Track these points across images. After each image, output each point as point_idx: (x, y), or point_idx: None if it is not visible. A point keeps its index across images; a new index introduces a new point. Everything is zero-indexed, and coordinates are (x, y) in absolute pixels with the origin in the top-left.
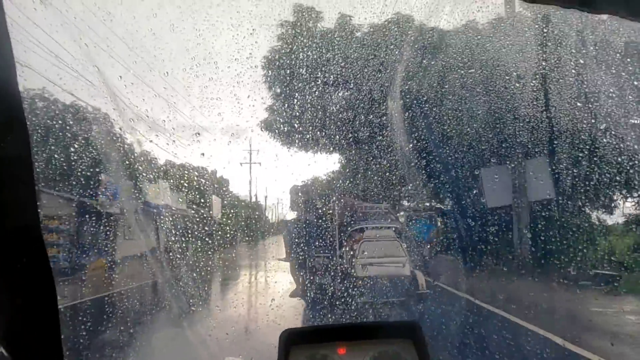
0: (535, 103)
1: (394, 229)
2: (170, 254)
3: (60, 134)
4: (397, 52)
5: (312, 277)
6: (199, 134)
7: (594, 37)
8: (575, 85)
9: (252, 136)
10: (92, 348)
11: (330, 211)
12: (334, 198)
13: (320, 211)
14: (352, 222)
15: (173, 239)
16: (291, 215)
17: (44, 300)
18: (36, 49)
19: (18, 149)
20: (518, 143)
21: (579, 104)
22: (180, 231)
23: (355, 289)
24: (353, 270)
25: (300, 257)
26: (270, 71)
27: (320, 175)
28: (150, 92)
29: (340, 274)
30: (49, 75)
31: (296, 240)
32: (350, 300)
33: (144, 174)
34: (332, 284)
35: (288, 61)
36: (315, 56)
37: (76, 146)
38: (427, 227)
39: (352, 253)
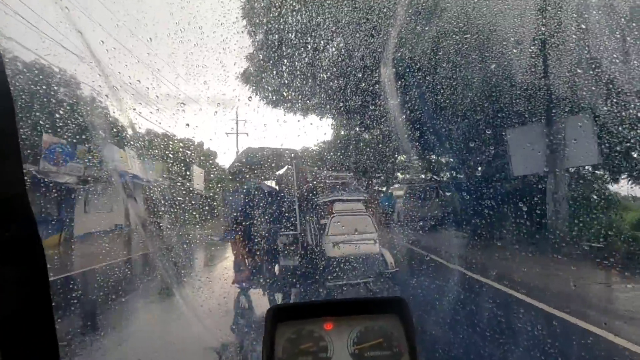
0: (534, 70)
1: (363, 201)
2: (149, 227)
3: (43, 99)
4: (390, 17)
5: (271, 258)
6: (184, 103)
7: (596, 0)
8: (576, 51)
9: (239, 105)
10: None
11: (287, 180)
12: (290, 165)
13: (276, 180)
14: (315, 193)
15: (152, 211)
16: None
17: (34, 269)
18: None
19: (3, 122)
20: (515, 112)
21: (579, 71)
22: (158, 203)
23: (326, 271)
24: (322, 249)
25: (254, 235)
26: (257, 36)
27: (310, 145)
28: (133, 59)
29: (306, 254)
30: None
31: (244, 213)
32: (319, 284)
33: (126, 143)
34: (298, 266)
35: (276, 26)
36: (304, 20)
37: (59, 113)
38: (423, 199)
39: (320, 229)
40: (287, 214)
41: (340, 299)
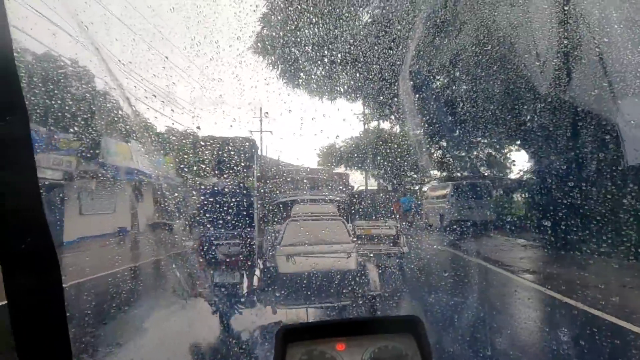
0: (556, 83)
1: (336, 202)
2: (158, 230)
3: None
4: (409, 30)
5: (214, 272)
6: (199, 117)
7: (618, 15)
8: (599, 65)
9: (254, 121)
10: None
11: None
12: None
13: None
14: (279, 193)
15: (162, 212)
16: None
17: (49, 280)
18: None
19: (18, 131)
20: (539, 125)
21: (604, 84)
22: (170, 203)
23: (275, 291)
24: (273, 264)
25: (207, 240)
26: (274, 50)
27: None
28: (149, 72)
29: (255, 269)
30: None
31: (201, 215)
32: (260, 309)
33: (130, 137)
34: (241, 284)
35: (293, 39)
36: (322, 34)
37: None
38: (473, 199)
39: (274, 238)
40: (243, 219)
41: (353, 318)
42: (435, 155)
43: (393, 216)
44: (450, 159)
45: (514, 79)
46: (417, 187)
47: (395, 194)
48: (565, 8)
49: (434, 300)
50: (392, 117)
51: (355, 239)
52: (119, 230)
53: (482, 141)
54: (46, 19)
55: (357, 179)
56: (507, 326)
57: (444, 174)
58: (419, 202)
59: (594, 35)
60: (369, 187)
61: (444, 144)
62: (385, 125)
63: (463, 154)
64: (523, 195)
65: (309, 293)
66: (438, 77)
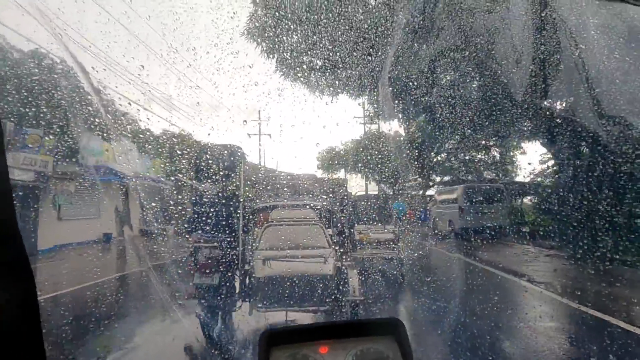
0: (533, 88)
1: (317, 208)
2: (148, 236)
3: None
4: (388, 35)
5: (197, 274)
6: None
7: (594, 20)
8: (576, 70)
9: (232, 128)
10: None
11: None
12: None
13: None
14: (262, 199)
15: (152, 217)
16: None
17: (22, 293)
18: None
19: None
20: (515, 131)
21: (580, 90)
22: (160, 208)
23: (252, 293)
24: (250, 267)
25: (194, 244)
26: (251, 57)
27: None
28: (123, 79)
29: (228, 271)
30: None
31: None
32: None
33: (113, 136)
34: (218, 287)
35: (271, 46)
36: (300, 40)
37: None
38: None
39: (252, 242)
40: (227, 224)
41: (336, 322)
42: (437, 158)
43: (391, 221)
44: (454, 162)
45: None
46: (420, 192)
47: (394, 199)
48: (543, 14)
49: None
50: (387, 120)
51: (333, 245)
52: (104, 237)
53: (486, 143)
54: (19, 22)
55: (358, 184)
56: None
57: (447, 177)
58: (425, 208)
59: (570, 41)
60: (369, 192)
61: (448, 146)
62: (384, 128)
63: (467, 157)
64: (540, 200)
65: (284, 297)
66: (416, 84)
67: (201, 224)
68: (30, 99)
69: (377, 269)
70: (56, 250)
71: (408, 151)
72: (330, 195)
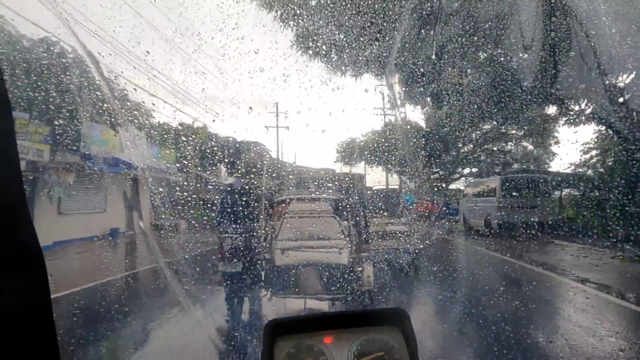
0: (543, 75)
1: (334, 201)
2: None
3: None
4: (395, 21)
5: (222, 264)
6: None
7: (606, 7)
8: (587, 56)
9: (238, 113)
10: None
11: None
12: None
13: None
14: (282, 192)
15: (164, 211)
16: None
17: (35, 279)
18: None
19: (1, 127)
20: (525, 118)
21: (592, 75)
22: (173, 201)
23: (271, 281)
24: (270, 256)
25: (221, 235)
26: (257, 43)
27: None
28: (128, 66)
29: (251, 260)
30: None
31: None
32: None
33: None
34: (242, 274)
35: (277, 31)
36: (307, 25)
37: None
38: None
39: (272, 233)
40: (249, 215)
41: (340, 312)
42: (464, 149)
43: (404, 214)
44: (480, 153)
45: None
46: (443, 185)
47: (415, 193)
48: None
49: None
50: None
51: (349, 236)
52: (111, 232)
53: (515, 133)
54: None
55: (378, 178)
56: None
57: (474, 169)
58: (448, 202)
59: (581, 28)
60: (390, 186)
61: (474, 137)
62: (403, 118)
63: (496, 147)
64: (585, 192)
65: (302, 285)
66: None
67: (227, 216)
68: (35, 85)
69: (390, 259)
70: (55, 247)
71: (431, 142)
72: (347, 189)
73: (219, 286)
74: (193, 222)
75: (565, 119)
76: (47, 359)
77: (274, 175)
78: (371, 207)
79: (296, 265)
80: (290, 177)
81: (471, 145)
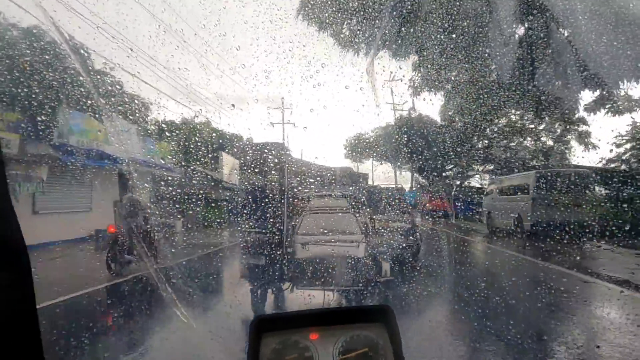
0: (521, 71)
1: (348, 198)
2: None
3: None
4: (375, 18)
5: (246, 257)
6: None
7: (582, 6)
8: (565, 53)
9: (222, 110)
10: None
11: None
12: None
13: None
14: (298, 189)
15: (157, 210)
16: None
17: (19, 273)
18: None
19: None
20: (504, 114)
21: (568, 72)
22: (166, 199)
23: (294, 273)
24: (291, 250)
25: (247, 230)
26: (239, 39)
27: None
28: (112, 62)
29: (278, 254)
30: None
31: (245, 209)
32: (281, 288)
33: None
34: (266, 267)
35: (257, 25)
36: (285, 28)
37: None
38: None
39: (293, 228)
40: (272, 212)
41: (326, 309)
42: (479, 144)
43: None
44: (497, 150)
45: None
46: (457, 182)
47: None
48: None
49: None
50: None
51: (364, 231)
52: (97, 235)
53: (535, 128)
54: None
55: (386, 175)
56: None
57: (490, 166)
58: (462, 199)
59: (558, 26)
60: (398, 184)
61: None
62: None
63: (513, 143)
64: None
65: (321, 276)
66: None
67: (250, 213)
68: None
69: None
70: (30, 251)
71: (444, 137)
72: (353, 186)
73: (243, 279)
74: (191, 221)
75: (608, 106)
76: (30, 353)
77: (293, 174)
78: (375, 205)
79: (316, 258)
80: (307, 174)
81: (486, 141)
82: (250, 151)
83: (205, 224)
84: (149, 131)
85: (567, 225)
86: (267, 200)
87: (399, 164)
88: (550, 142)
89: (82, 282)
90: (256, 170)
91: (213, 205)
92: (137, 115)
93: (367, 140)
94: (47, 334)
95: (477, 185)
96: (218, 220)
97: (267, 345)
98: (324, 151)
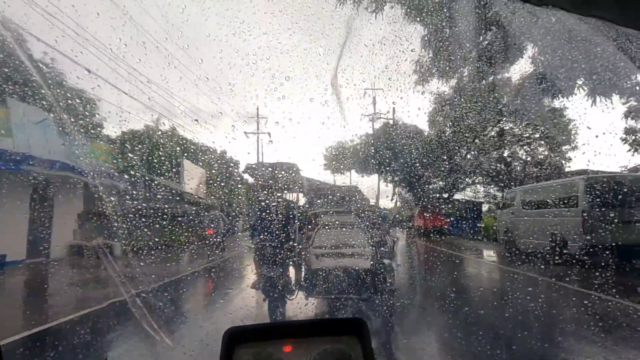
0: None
1: (356, 213)
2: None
3: None
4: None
5: (262, 268)
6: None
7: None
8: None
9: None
10: None
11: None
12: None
13: (279, 195)
14: (315, 206)
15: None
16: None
17: None
18: None
19: None
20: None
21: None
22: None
23: (308, 283)
24: (306, 262)
25: (259, 244)
26: (202, 52)
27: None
28: (74, 75)
29: (293, 265)
30: None
31: (257, 225)
32: (298, 297)
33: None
34: (281, 277)
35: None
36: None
37: None
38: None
39: (307, 241)
40: (285, 226)
41: (299, 320)
42: (468, 156)
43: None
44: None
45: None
46: (444, 195)
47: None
48: (487, 15)
49: None
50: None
51: (372, 243)
52: None
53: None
54: None
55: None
56: None
57: (479, 178)
58: (458, 215)
59: (515, 41)
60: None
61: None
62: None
63: (506, 153)
64: None
65: (333, 285)
66: None
67: (264, 227)
68: None
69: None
70: None
71: (430, 148)
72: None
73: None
74: (140, 242)
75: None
76: None
77: (303, 191)
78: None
79: (329, 268)
80: (317, 192)
81: (475, 152)
82: (263, 170)
83: (160, 246)
84: (86, 128)
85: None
86: (279, 215)
87: (382, 175)
88: (545, 152)
89: None
90: (269, 188)
91: (172, 222)
92: (80, 110)
93: (349, 151)
94: None
95: (467, 198)
96: (179, 241)
97: (240, 357)
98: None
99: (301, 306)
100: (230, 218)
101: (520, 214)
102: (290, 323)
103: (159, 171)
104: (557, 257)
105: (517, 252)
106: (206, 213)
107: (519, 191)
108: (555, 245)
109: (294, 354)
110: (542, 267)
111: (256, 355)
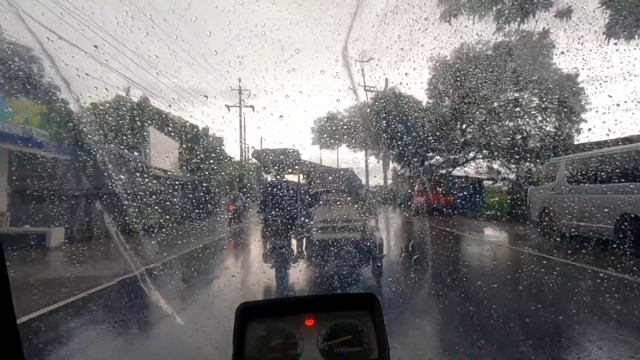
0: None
1: (352, 192)
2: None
3: None
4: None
5: (270, 240)
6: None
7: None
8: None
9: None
10: None
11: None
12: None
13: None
14: (316, 187)
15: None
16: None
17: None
18: None
19: None
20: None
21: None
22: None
23: (311, 252)
24: (308, 234)
25: (267, 218)
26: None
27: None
28: (80, 50)
29: (298, 237)
30: None
31: (265, 202)
32: (307, 271)
33: None
34: (288, 248)
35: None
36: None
37: None
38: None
39: (309, 217)
40: (290, 203)
41: (311, 295)
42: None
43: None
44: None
45: None
46: (444, 171)
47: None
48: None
49: None
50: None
51: (365, 217)
52: None
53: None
54: None
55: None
56: None
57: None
58: (467, 192)
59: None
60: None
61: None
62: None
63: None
64: None
65: (332, 255)
66: None
67: (272, 205)
68: None
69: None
70: None
71: (427, 119)
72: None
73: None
74: (87, 228)
75: None
76: (9, 351)
77: (305, 173)
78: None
79: (328, 240)
80: (317, 174)
81: (476, 124)
82: (269, 155)
83: (116, 230)
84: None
85: None
86: (285, 194)
87: (374, 150)
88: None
89: None
90: (275, 170)
91: (132, 202)
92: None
93: (340, 123)
94: None
95: (469, 174)
96: (141, 225)
97: (253, 332)
98: (300, 139)
99: (312, 278)
100: (245, 197)
101: (563, 191)
102: (302, 298)
103: (109, 136)
104: (626, 245)
105: (557, 234)
106: (230, 193)
107: (563, 162)
108: (624, 229)
109: (305, 329)
110: (597, 253)
111: (268, 330)
